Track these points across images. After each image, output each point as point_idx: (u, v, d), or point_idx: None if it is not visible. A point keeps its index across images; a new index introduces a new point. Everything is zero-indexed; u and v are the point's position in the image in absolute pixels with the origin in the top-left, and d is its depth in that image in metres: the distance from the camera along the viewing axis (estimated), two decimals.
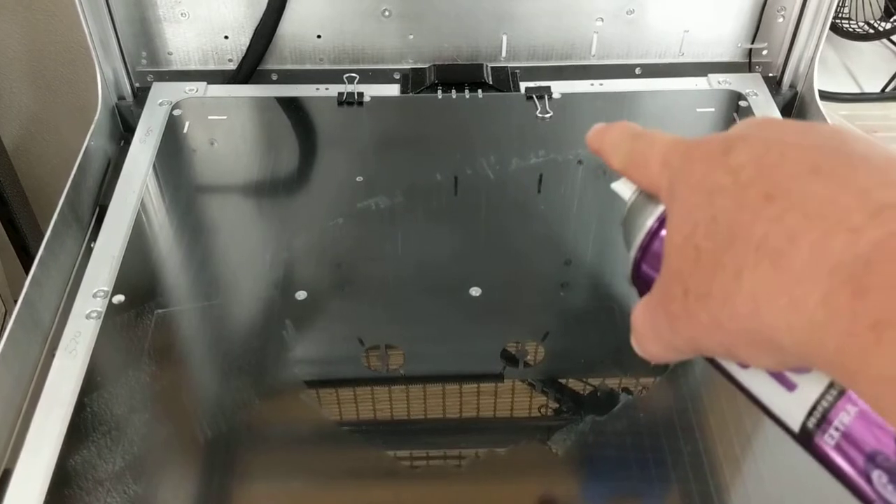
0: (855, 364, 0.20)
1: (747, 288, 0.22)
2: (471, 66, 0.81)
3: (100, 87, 0.76)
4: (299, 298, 0.59)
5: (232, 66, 0.82)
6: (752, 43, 0.81)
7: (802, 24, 0.78)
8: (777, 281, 0.22)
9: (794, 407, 0.25)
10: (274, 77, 0.83)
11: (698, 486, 0.48)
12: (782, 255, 0.22)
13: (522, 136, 0.74)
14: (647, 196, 0.29)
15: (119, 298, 0.58)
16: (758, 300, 0.22)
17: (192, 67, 0.82)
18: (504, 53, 0.82)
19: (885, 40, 1.03)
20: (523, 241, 0.64)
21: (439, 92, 0.78)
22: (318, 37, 0.81)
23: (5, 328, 0.54)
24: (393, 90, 0.80)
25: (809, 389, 0.25)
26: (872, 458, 0.24)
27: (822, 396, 0.24)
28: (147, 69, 0.81)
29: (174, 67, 0.82)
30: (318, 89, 0.79)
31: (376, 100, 0.78)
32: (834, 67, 1.01)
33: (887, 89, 0.96)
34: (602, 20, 0.80)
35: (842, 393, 0.24)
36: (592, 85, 0.80)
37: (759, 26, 0.80)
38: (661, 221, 0.28)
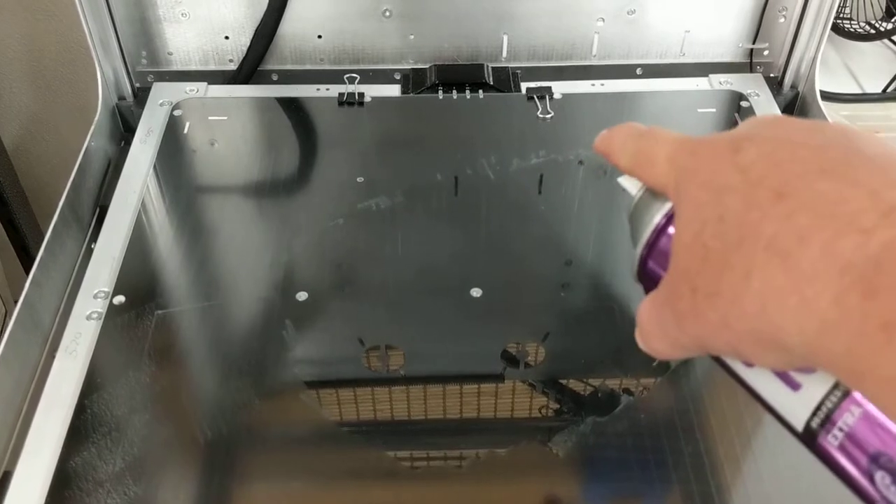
0: (864, 365, 0.20)
1: (756, 288, 0.22)
2: (471, 66, 0.81)
3: (100, 87, 0.76)
4: (300, 299, 0.59)
5: (232, 67, 0.82)
6: (754, 43, 0.81)
7: (804, 25, 0.77)
8: (786, 281, 0.22)
9: (798, 407, 0.25)
10: (274, 77, 0.83)
11: (699, 487, 0.48)
12: (792, 255, 0.22)
13: (523, 136, 0.74)
14: (654, 192, 0.29)
15: (119, 299, 0.58)
16: (766, 300, 0.22)
17: (193, 68, 0.82)
18: (505, 54, 0.82)
19: (886, 40, 1.03)
20: (524, 242, 0.64)
21: (440, 92, 0.78)
22: (319, 37, 0.80)
23: (5, 329, 0.54)
24: (393, 90, 0.80)
25: (814, 389, 0.25)
26: (876, 460, 0.23)
27: (827, 397, 0.24)
28: (147, 69, 0.81)
29: (174, 68, 0.82)
30: (318, 90, 0.79)
31: (377, 100, 0.78)
32: (835, 68, 1.01)
33: (888, 90, 0.96)
34: (603, 20, 0.80)
35: (846, 394, 0.24)
36: (593, 85, 0.79)
37: (760, 26, 0.80)
38: (668, 218, 0.28)
